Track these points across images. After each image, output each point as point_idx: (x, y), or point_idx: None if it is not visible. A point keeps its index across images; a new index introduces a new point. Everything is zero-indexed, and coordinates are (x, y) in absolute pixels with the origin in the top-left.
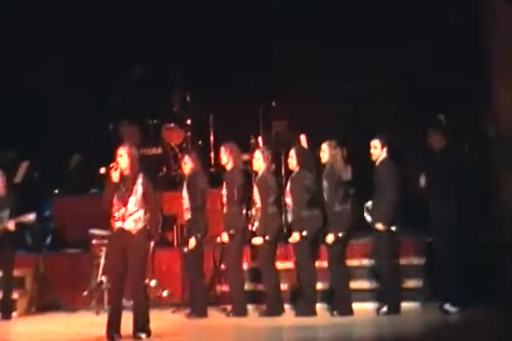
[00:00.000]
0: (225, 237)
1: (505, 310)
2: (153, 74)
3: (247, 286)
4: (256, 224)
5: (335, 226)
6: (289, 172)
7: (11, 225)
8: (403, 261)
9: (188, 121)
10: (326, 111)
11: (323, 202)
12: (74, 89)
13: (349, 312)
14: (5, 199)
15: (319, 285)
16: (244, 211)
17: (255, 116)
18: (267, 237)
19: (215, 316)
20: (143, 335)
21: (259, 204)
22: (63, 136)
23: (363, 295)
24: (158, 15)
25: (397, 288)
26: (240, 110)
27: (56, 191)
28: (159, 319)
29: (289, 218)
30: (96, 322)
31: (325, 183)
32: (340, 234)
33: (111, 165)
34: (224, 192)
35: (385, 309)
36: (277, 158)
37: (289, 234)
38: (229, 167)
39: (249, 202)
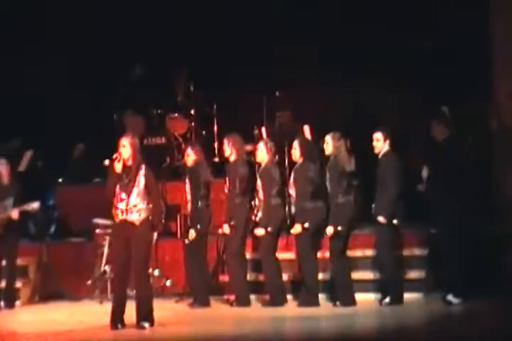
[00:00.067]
0: (226, 228)
1: (507, 301)
2: (157, 65)
3: (249, 276)
4: (259, 214)
5: (336, 219)
6: (292, 163)
7: (14, 214)
8: (406, 252)
9: (192, 111)
10: (329, 101)
11: (327, 193)
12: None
13: (352, 302)
14: (9, 187)
15: (322, 276)
16: (247, 202)
17: (259, 107)
18: (269, 228)
19: (218, 306)
20: (146, 324)
21: (262, 195)
22: (67, 125)
23: (365, 286)
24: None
25: (400, 278)
26: (244, 100)
27: (60, 180)
28: (162, 308)
29: (293, 209)
30: (99, 311)
31: (328, 175)
32: (339, 228)
33: (114, 156)
34: (227, 183)
35: (387, 300)
36: (281, 149)
37: (292, 225)
38: (232, 158)
39: (252, 193)
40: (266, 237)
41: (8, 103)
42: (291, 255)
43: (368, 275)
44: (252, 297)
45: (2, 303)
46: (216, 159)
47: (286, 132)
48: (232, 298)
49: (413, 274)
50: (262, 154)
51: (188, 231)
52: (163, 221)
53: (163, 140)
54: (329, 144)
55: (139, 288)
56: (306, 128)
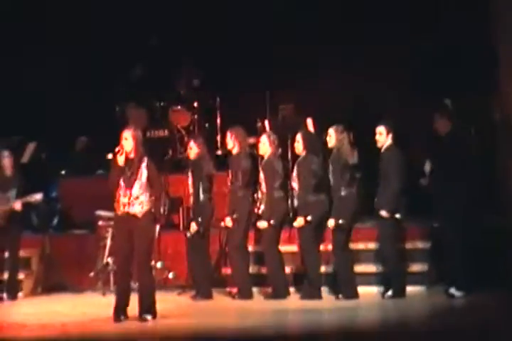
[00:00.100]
0: (228, 221)
1: (511, 294)
2: (159, 61)
3: (251, 269)
4: (262, 207)
5: (339, 212)
6: (295, 156)
7: (17, 205)
8: (408, 246)
9: (195, 104)
10: (332, 95)
11: (329, 186)
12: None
13: (354, 295)
14: (12, 179)
15: (324, 269)
16: (250, 195)
17: (262, 100)
18: (271, 221)
19: (221, 298)
20: (148, 317)
21: (264, 188)
22: (70, 117)
23: (368, 279)
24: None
25: (403, 271)
26: (247, 93)
27: (63, 172)
28: (165, 301)
29: (295, 202)
30: (102, 303)
31: (331, 167)
32: (340, 221)
33: (116, 149)
34: (229, 176)
35: (390, 293)
36: (284, 142)
37: (295, 218)
38: (235, 151)
39: (255, 186)
40: (268, 230)
41: (10, 96)
42: (293, 248)
43: (370, 268)
44: (255, 289)
45: (5, 295)
46: (219, 152)
47: (289, 125)
48: (235, 290)
49: (416, 267)
50: (265, 147)
51: (188, 225)
52: (165, 213)
53: (166, 132)
54: (332, 137)
55: (142, 281)
56: (309, 121)
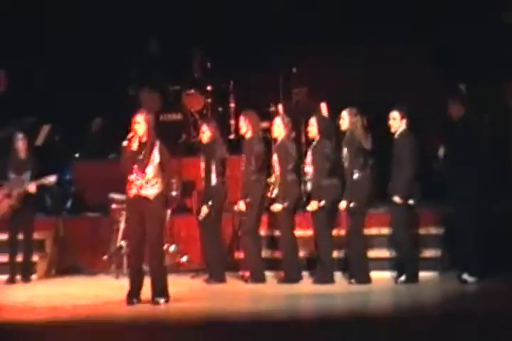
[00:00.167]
0: (241, 205)
1: None
2: (172, 43)
3: (264, 253)
4: (275, 191)
5: (351, 194)
6: (308, 140)
7: (32, 187)
8: (422, 231)
9: (209, 88)
10: (346, 78)
11: (343, 170)
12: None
13: (367, 280)
14: (26, 161)
15: (337, 254)
16: (263, 179)
17: (276, 83)
18: (285, 204)
19: (234, 282)
20: (161, 300)
21: (278, 170)
22: (85, 100)
23: (381, 264)
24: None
25: (415, 257)
26: (261, 77)
27: (77, 155)
28: (178, 284)
29: (308, 187)
30: (115, 285)
31: (345, 150)
32: (351, 204)
33: (129, 135)
34: (242, 160)
35: (403, 278)
36: (297, 127)
37: (308, 203)
38: (248, 135)
39: (268, 170)
40: (283, 213)
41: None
42: (307, 232)
43: (383, 253)
44: (268, 274)
45: (19, 277)
46: (232, 136)
47: (303, 109)
48: (247, 274)
49: (429, 253)
50: (279, 129)
51: (199, 208)
52: (178, 196)
53: (180, 116)
54: (345, 119)
55: (154, 264)
56: (323, 106)
